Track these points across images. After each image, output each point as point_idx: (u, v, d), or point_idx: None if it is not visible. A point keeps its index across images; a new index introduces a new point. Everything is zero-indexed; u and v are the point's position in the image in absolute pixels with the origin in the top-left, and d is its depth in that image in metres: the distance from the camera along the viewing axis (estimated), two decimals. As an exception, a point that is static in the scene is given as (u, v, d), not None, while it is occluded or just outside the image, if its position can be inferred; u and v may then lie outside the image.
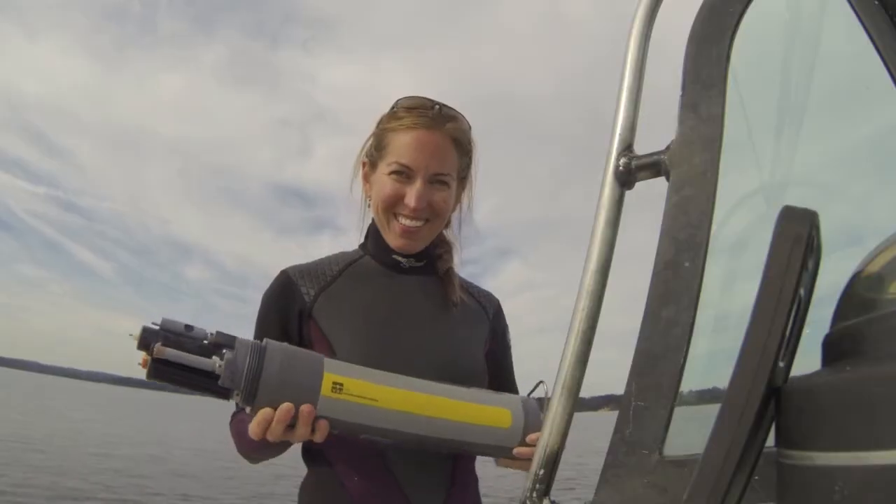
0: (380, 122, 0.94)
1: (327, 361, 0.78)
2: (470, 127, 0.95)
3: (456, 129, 0.91)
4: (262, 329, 0.92)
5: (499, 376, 1.08)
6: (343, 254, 1.00)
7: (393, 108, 0.92)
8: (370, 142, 0.96)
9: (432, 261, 1.00)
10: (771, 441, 0.34)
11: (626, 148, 0.55)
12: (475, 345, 1.02)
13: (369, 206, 0.98)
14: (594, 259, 0.54)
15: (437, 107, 0.89)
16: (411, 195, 0.87)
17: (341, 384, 0.76)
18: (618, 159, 0.55)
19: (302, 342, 0.92)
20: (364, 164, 0.97)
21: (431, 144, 0.87)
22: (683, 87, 0.52)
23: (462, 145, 0.93)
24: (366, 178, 0.97)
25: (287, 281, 0.93)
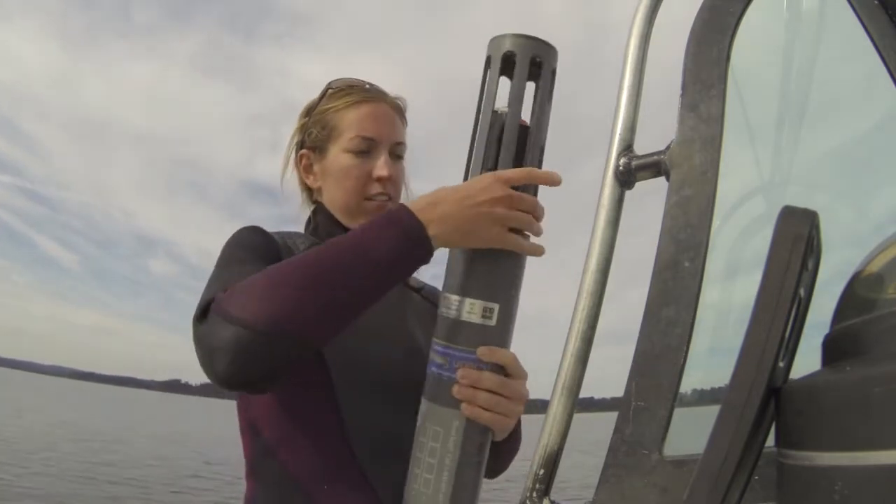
0: (311, 110, 0.89)
1: None
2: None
3: (395, 100, 0.89)
4: (247, 250, 0.75)
5: None
6: (301, 235, 0.87)
7: (327, 90, 0.89)
8: (301, 133, 0.90)
9: None
10: (771, 441, 0.34)
11: (626, 148, 0.55)
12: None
13: (316, 199, 0.90)
14: (594, 259, 0.54)
15: (368, 84, 0.87)
16: (381, 166, 0.83)
17: None
18: (618, 159, 0.55)
19: None
20: (302, 157, 0.89)
21: (386, 115, 0.86)
22: (683, 87, 0.52)
23: (404, 117, 0.91)
24: (308, 170, 0.90)
25: (265, 232, 0.81)
